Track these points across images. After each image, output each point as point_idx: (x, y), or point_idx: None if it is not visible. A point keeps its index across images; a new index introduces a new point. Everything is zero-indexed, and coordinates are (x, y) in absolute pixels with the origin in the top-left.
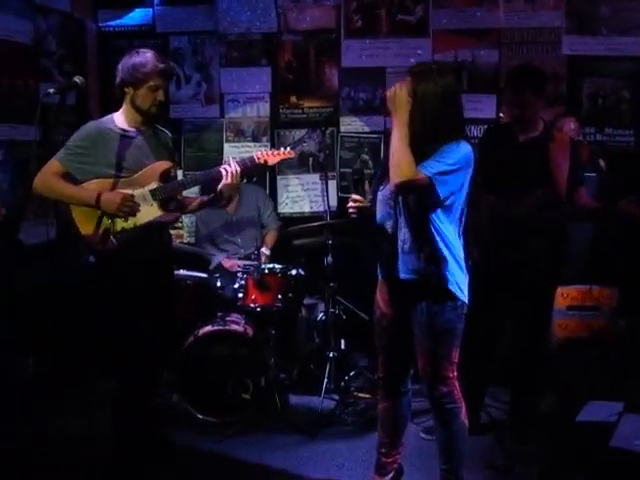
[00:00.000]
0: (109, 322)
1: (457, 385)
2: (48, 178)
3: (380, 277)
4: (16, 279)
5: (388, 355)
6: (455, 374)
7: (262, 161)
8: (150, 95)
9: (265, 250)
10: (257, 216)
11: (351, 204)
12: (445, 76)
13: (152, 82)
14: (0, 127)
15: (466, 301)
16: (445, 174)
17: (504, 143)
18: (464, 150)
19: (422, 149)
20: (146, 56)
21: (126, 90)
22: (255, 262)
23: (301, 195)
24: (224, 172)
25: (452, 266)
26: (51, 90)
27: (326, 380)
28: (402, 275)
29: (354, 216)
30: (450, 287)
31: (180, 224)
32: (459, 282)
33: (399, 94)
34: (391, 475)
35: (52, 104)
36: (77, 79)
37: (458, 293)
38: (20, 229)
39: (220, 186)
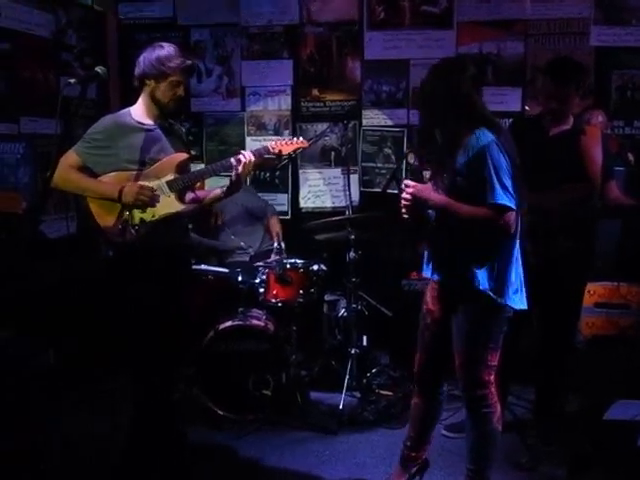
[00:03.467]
0: (128, 316)
1: (493, 390)
2: (65, 170)
3: (430, 275)
4: (37, 273)
5: (426, 353)
6: (492, 378)
7: (276, 150)
8: (171, 90)
9: (279, 243)
10: (262, 210)
11: (407, 196)
12: (453, 73)
13: (175, 77)
14: (21, 121)
15: (509, 304)
16: (507, 189)
17: (533, 137)
18: (493, 149)
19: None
20: (170, 50)
21: (147, 82)
22: (275, 256)
23: (323, 189)
24: (237, 161)
25: (492, 268)
26: (72, 80)
27: (348, 377)
28: (441, 276)
29: (406, 216)
30: (482, 288)
31: None
32: (500, 284)
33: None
34: (415, 469)
35: (73, 97)
36: (99, 69)
37: (496, 296)
38: (41, 222)
39: (233, 176)
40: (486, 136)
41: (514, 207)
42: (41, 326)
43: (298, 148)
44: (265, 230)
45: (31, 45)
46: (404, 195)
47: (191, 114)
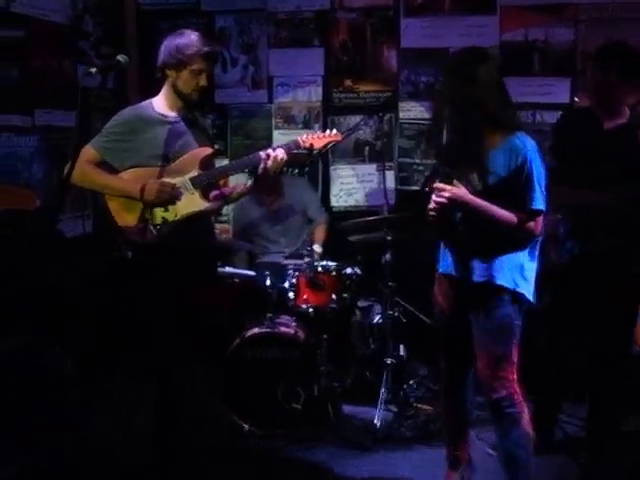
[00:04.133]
0: (147, 319)
1: (518, 389)
2: (83, 166)
3: (440, 271)
4: (51, 273)
5: (447, 351)
6: (515, 377)
7: (307, 145)
8: (193, 79)
9: (316, 247)
10: (303, 211)
11: (438, 200)
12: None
13: (195, 65)
14: (35, 112)
15: (526, 295)
16: (544, 193)
17: (587, 130)
18: (538, 155)
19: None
20: (190, 37)
21: (167, 73)
22: (307, 259)
23: (356, 187)
24: (265, 156)
25: (518, 265)
26: (93, 70)
27: (383, 389)
28: (465, 274)
29: (434, 218)
30: (509, 286)
31: (225, 217)
32: (524, 280)
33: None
34: (463, 467)
35: (91, 87)
36: (120, 58)
37: (521, 292)
38: (58, 222)
39: (260, 171)
40: (529, 140)
41: (545, 210)
42: (56, 329)
43: (331, 142)
44: (311, 234)
45: (46, 32)
46: (438, 199)
47: (215, 106)
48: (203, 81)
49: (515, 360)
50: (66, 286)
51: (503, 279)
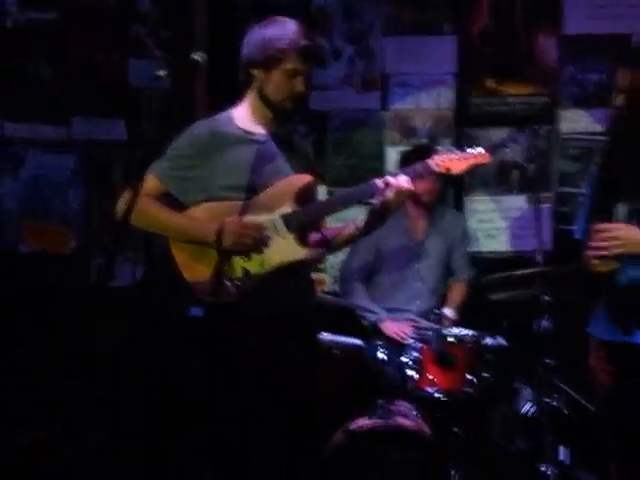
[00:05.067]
0: (218, 403)
1: None
2: (140, 201)
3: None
4: (92, 334)
5: (619, 452)
6: None
7: (442, 169)
8: (286, 83)
9: (449, 311)
10: (447, 255)
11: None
12: None
13: (290, 64)
14: (73, 122)
15: None
16: None
17: None
18: None
19: None
20: (285, 27)
21: (253, 74)
22: (435, 326)
23: (499, 226)
24: (383, 185)
25: None
26: (162, 72)
27: None
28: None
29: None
30: None
31: (322, 265)
32: None
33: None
34: None
35: (148, 87)
36: (197, 56)
37: None
38: (112, 278)
39: (377, 205)
40: None
41: None
42: (97, 400)
43: (475, 164)
44: (445, 291)
45: (88, 14)
46: (608, 242)
47: (309, 113)
48: (300, 85)
49: None
50: (110, 351)
51: None
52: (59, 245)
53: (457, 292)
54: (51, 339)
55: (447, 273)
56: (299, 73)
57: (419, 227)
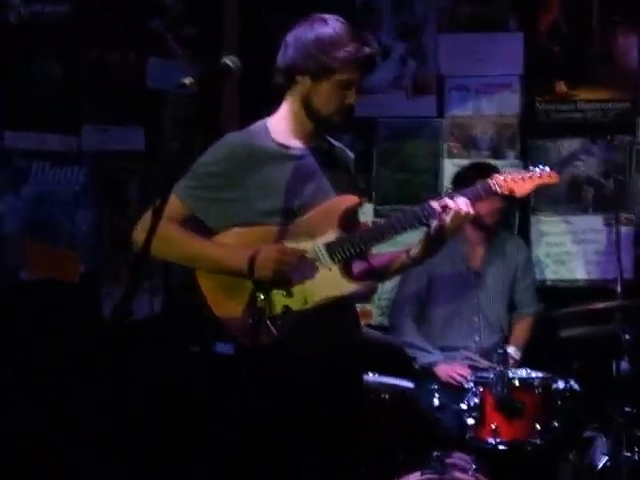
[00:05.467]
0: (252, 455)
1: None
2: (163, 227)
3: None
4: (106, 374)
5: None
6: None
7: (505, 190)
8: (337, 94)
9: (513, 350)
10: (509, 287)
11: None
12: None
13: (344, 75)
14: (84, 130)
15: None
16: None
17: None
18: None
19: None
20: (339, 30)
21: (298, 80)
22: (498, 367)
23: (571, 251)
24: (439, 208)
25: None
26: (187, 81)
27: None
28: None
29: None
30: None
31: None
32: None
33: None
34: None
35: (167, 91)
36: (229, 60)
37: None
38: (130, 315)
39: (432, 230)
40: None
41: None
42: (116, 447)
43: (542, 185)
44: (508, 327)
45: (101, 7)
46: None
47: (354, 121)
48: (352, 97)
49: None
50: (127, 391)
51: None
52: (66, 272)
53: (522, 328)
54: (54, 384)
55: (510, 306)
56: (352, 84)
57: (477, 254)
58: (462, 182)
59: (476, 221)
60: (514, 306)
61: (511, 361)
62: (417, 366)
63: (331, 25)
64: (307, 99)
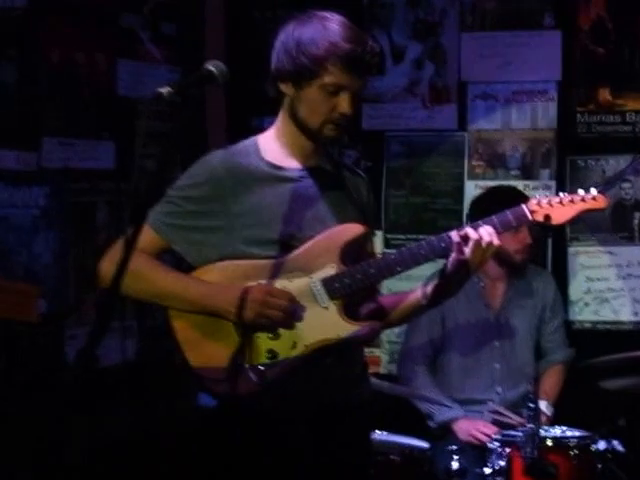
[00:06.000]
0: None
1: None
2: (133, 261)
3: None
4: (72, 428)
5: None
6: None
7: (539, 217)
8: (324, 102)
9: (545, 405)
10: (534, 329)
11: None
12: None
13: (328, 78)
14: (44, 144)
15: None
16: None
17: None
18: None
19: None
20: (325, 26)
21: (283, 89)
22: (528, 425)
23: (616, 286)
24: (459, 239)
25: None
26: (164, 91)
27: None
28: None
29: None
30: None
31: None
32: None
33: None
34: None
35: (142, 99)
36: (212, 67)
37: None
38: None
39: (451, 263)
40: None
41: None
42: None
43: (585, 212)
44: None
45: (64, 1)
46: None
47: (361, 134)
48: (344, 105)
49: None
50: (97, 448)
51: None
52: (22, 310)
53: (552, 379)
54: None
55: (538, 353)
56: (342, 88)
57: (498, 291)
58: (480, 211)
59: (501, 257)
60: (541, 353)
61: (543, 418)
62: (433, 424)
63: (318, 22)
64: (293, 110)
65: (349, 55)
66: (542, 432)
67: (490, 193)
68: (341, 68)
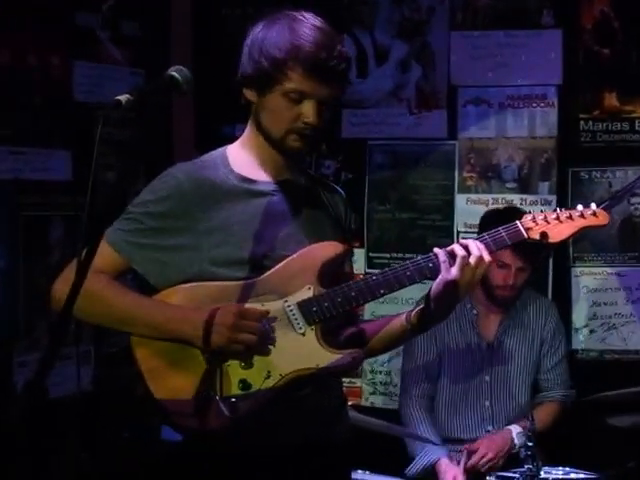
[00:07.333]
0: None
1: None
2: (90, 282)
3: None
4: (25, 460)
5: None
6: None
7: (535, 235)
8: (286, 110)
9: (516, 433)
10: (531, 364)
11: None
12: None
13: (290, 84)
14: None
15: None
16: None
17: None
18: None
19: None
20: (293, 27)
21: (248, 95)
22: (526, 466)
23: (625, 312)
24: (444, 258)
25: None
26: (124, 98)
27: None
28: None
29: None
30: None
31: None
32: None
33: None
34: None
35: (103, 105)
36: (175, 72)
37: None
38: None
39: (436, 286)
40: None
41: None
42: None
43: (585, 229)
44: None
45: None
46: None
47: (341, 143)
48: (310, 114)
49: None
50: None
51: None
52: None
53: (542, 413)
54: None
55: (535, 386)
56: (307, 96)
57: (493, 321)
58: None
59: (484, 286)
60: (537, 388)
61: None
62: (413, 470)
63: (286, 23)
64: (257, 118)
65: (310, 59)
66: (543, 473)
67: (490, 215)
68: (302, 74)
